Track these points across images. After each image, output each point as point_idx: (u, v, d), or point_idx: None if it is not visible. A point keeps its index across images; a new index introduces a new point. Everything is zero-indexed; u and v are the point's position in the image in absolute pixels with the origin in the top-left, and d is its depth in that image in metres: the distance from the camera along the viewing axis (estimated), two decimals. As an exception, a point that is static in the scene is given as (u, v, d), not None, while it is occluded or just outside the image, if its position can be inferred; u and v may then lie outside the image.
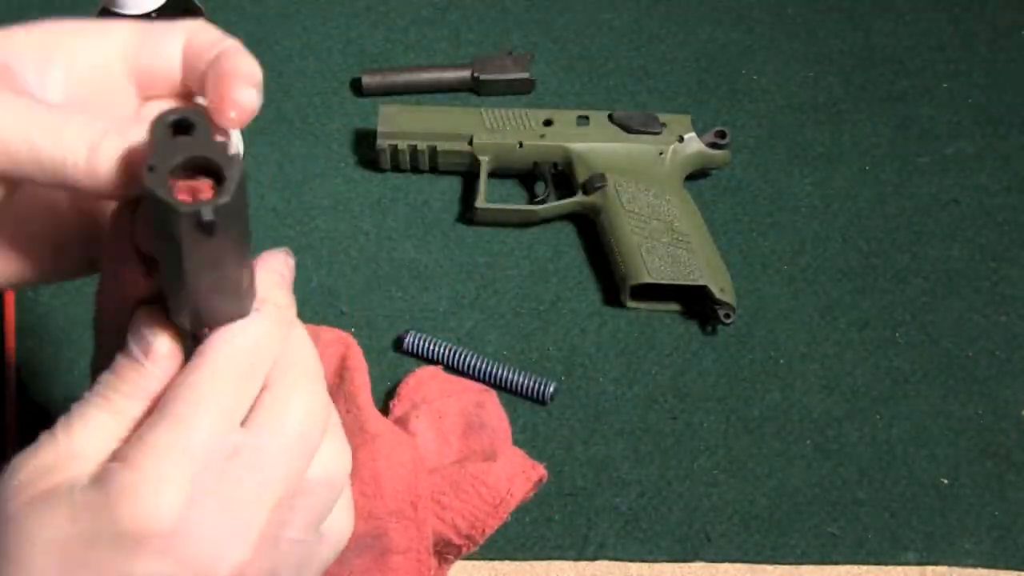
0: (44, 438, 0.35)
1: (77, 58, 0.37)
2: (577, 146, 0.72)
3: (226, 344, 0.34)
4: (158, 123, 0.31)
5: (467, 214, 0.72)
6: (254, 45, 0.89)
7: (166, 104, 0.37)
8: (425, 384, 0.62)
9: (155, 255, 0.33)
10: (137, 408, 0.34)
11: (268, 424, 0.34)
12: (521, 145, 0.72)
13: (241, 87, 0.34)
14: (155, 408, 0.34)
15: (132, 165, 0.33)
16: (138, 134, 0.33)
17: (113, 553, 0.32)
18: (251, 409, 0.34)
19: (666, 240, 0.67)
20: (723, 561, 0.59)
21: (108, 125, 0.33)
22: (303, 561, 0.36)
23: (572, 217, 0.72)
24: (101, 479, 0.33)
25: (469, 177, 0.74)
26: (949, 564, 0.59)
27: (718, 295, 0.65)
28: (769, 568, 0.59)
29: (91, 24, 0.37)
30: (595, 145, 0.72)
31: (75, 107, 0.36)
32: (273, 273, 0.36)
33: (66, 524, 0.32)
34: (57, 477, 0.33)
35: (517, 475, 0.55)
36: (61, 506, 0.32)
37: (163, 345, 0.35)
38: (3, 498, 0.33)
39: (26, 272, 0.39)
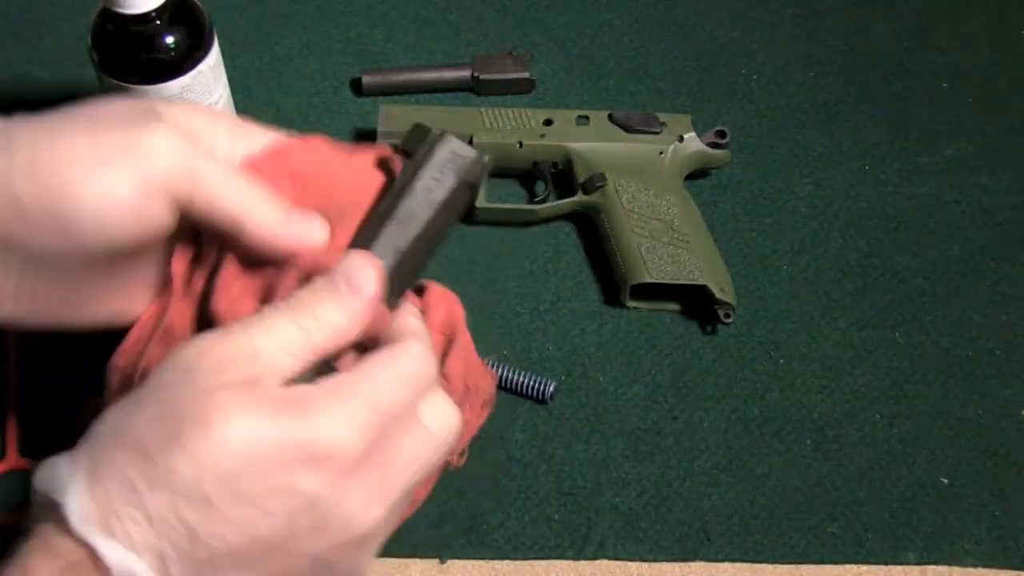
0: (219, 334, 0.38)
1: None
2: (577, 146, 0.72)
3: (421, 341, 0.41)
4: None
5: (467, 214, 0.72)
6: (254, 45, 0.90)
7: None
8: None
9: (382, 211, 0.40)
10: (320, 334, 0.39)
11: (432, 416, 0.40)
12: (521, 145, 0.72)
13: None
14: (360, 360, 0.39)
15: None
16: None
17: (292, 460, 0.36)
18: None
19: (666, 240, 0.67)
20: (723, 561, 0.59)
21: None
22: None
23: (572, 217, 0.72)
24: (302, 395, 0.37)
25: (469, 177, 0.74)
26: (949, 564, 0.59)
27: (718, 295, 0.65)
28: (769, 568, 0.59)
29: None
30: (595, 145, 0.72)
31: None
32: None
33: (262, 419, 0.35)
34: (243, 370, 0.37)
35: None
36: (259, 402, 0.36)
37: (371, 285, 0.40)
38: (197, 375, 0.36)
39: (127, 311, 0.46)
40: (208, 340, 0.38)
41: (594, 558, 0.59)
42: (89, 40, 0.62)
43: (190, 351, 0.37)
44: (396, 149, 0.43)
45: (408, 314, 0.43)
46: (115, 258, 0.42)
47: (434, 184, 0.40)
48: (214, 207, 0.41)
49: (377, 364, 0.39)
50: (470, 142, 0.72)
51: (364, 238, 0.41)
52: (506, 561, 0.58)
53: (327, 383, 0.38)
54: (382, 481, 0.38)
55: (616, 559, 0.59)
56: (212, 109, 0.47)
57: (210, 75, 0.64)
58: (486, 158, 0.40)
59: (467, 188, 0.40)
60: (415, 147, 0.42)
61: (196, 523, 0.35)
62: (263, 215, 0.42)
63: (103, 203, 0.39)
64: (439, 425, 0.40)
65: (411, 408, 0.39)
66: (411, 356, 0.40)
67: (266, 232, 0.42)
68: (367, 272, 0.40)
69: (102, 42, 0.62)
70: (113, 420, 0.37)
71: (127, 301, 0.46)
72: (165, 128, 0.41)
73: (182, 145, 0.41)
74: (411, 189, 0.40)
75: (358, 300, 0.40)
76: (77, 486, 0.35)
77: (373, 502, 0.38)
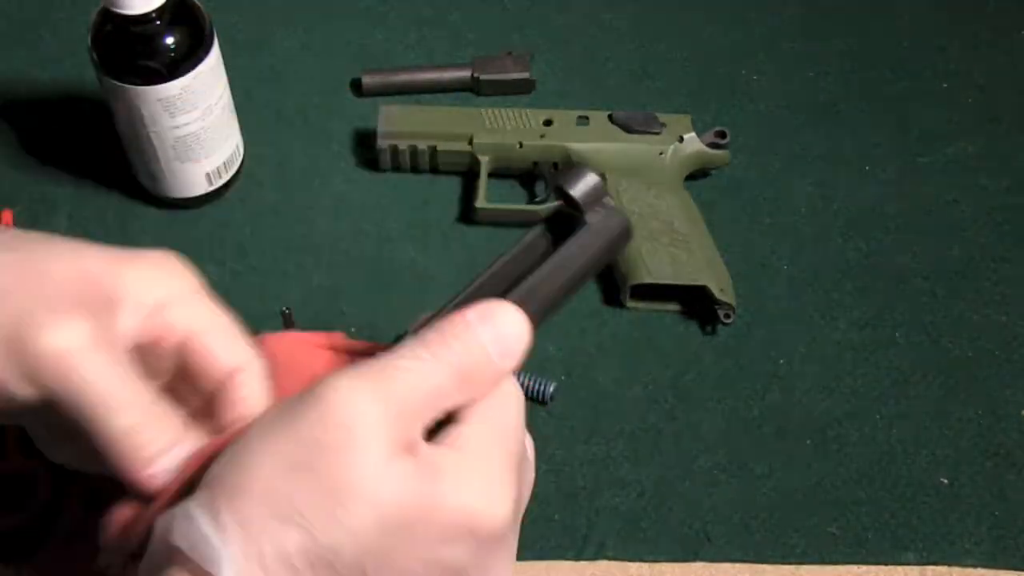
0: (373, 383, 0.34)
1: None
2: (577, 146, 0.72)
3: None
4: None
5: (467, 214, 0.72)
6: (254, 45, 0.90)
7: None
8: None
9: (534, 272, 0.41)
10: (441, 375, 0.36)
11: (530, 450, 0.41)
12: (521, 145, 0.72)
13: None
14: (477, 414, 0.36)
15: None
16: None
17: (447, 534, 0.34)
18: None
19: (666, 240, 0.67)
20: (723, 561, 0.59)
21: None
22: None
23: (572, 217, 0.72)
24: (452, 457, 0.34)
25: (469, 177, 0.74)
26: (949, 564, 0.59)
27: (718, 295, 0.65)
28: (769, 568, 0.59)
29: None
30: (595, 145, 0.72)
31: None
32: None
33: (422, 491, 0.33)
34: (403, 432, 0.34)
35: None
36: (421, 472, 0.33)
37: (520, 355, 0.39)
38: (360, 438, 0.33)
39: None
40: (364, 392, 0.34)
41: (594, 558, 0.59)
42: (89, 40, 0.62)
43: (348, 407, 0.33)
44: (558, 190, 0.42)
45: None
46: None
47: (588, 243, 0.41)
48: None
49: (499, 411, 0.37)
50: (470, 142, 0.72)
51: (524, 292, 0.40)
52: (506, 561, 0.58)
53: (465, 439, 0.35)
54: (516, 530, 0.37)
55: (616, 559, 0.59)
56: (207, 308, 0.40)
57: (210, 75, 0.64)
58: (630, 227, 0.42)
59: (611, 255, 0.42)
60: (569, 185, 0.42)
61: None
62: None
63: None
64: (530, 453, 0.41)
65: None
66: (516, 396, 0.38)
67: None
68: (524, 342, 0.39)
69: (102, 42, 0.62)
70: (257, 472, 0.33)
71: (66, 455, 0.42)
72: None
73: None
74: (570, 249, 0.41)
75: (505, 369, 0.38)
76: (233, 559, 0.32)
77: (511, 559, 0.37)
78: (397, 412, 0.34)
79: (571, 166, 0.42)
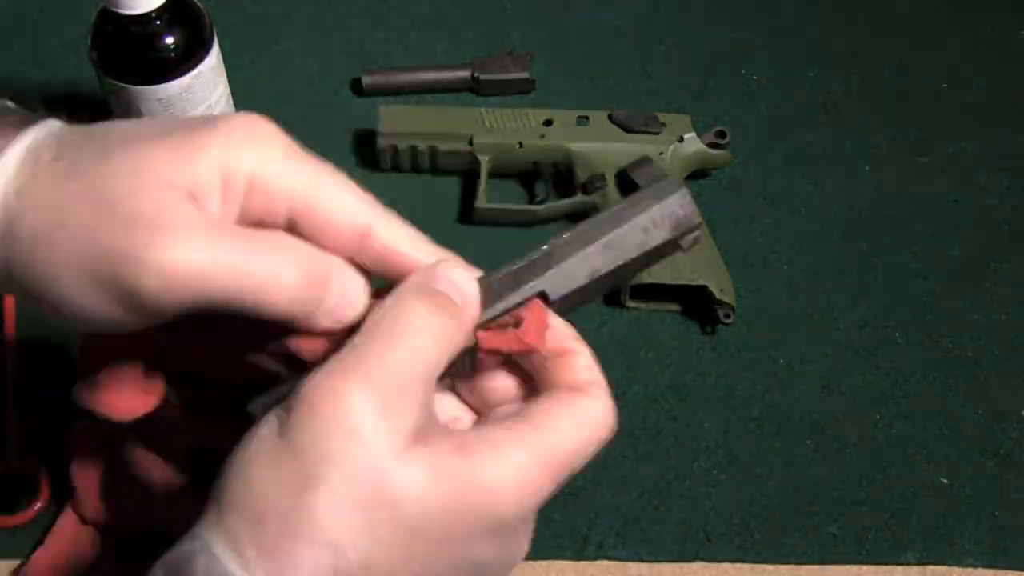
0: (368, 382, 0.32)
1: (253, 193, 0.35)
2: (577, 146, 0.72)
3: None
4: None
5: (467, 214, 0.72)
6: (254, 45, 0.90)
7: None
8: None
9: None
10: (418, 341, 0.33)
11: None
12: (521, 145, 0.72)
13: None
14: (535, 404, 0.35)
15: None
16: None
17: (473, 532, 0.33)
18: None
19: (666, 240, 0.67)
20: (723, 561, 0.59)
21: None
22: None
23: (572, 217, 0.72)
24: (478, 445, 0.33)
25: (469, 177, 0.74)
26: (949, 564, 0.59)
27: (718, 295, 0.65)
28: (769, 568, 0.59)
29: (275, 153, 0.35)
30: (595, 145, 0.72)
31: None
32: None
33: (445, 488, 0.32)
34: (410, 420, 0.32)
35: None
36: (440, 465, 0.32)
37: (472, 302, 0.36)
38: (372, 442, 0.32)
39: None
40: (356, 391, 0.32)
41: (594, 558, 0.59)
42: (89, 40, 0.62)
43: (344, 409, 0.31)
44: (622, 174, 0.41)
45: (580, 351, 0.39)
46: None
47: (651, 227, 0.39)
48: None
49: (563, 417, 0.35)
50: (470, 142, 0.72)
51: (568, 244, 0.39)
52: (506, 561, 0.58)
53: (506, 430, 0.34)
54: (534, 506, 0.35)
55: (616, 559, 0.59)
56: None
57: (210, 76, 0.64)
58: (701, 223, 0.39)
59: (674, 247, 0.39)
60: (644, 181, 0.41)
61: None
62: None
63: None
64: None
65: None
66: (594, 413, 0.36)
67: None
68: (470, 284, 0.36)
69: (102, 42, 0.62)
70: (273, 496, 0.31)
71: None
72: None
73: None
74: (629, 222, 0.39)
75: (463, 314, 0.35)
76: None
77: (527, 535, 0.36)
78: (395, 399, 0.32)
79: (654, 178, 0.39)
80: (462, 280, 0.36)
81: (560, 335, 0.38)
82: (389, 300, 0.35)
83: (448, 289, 0.35)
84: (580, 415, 0.36)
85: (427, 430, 0.33)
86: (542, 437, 0.34)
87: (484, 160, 0.72)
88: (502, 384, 0.39)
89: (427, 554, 0.32)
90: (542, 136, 0.72)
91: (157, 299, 0.32)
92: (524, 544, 0.36)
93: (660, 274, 0.66)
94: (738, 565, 0.59)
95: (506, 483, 0.33)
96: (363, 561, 0.31)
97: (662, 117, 0.73)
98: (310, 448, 0.31)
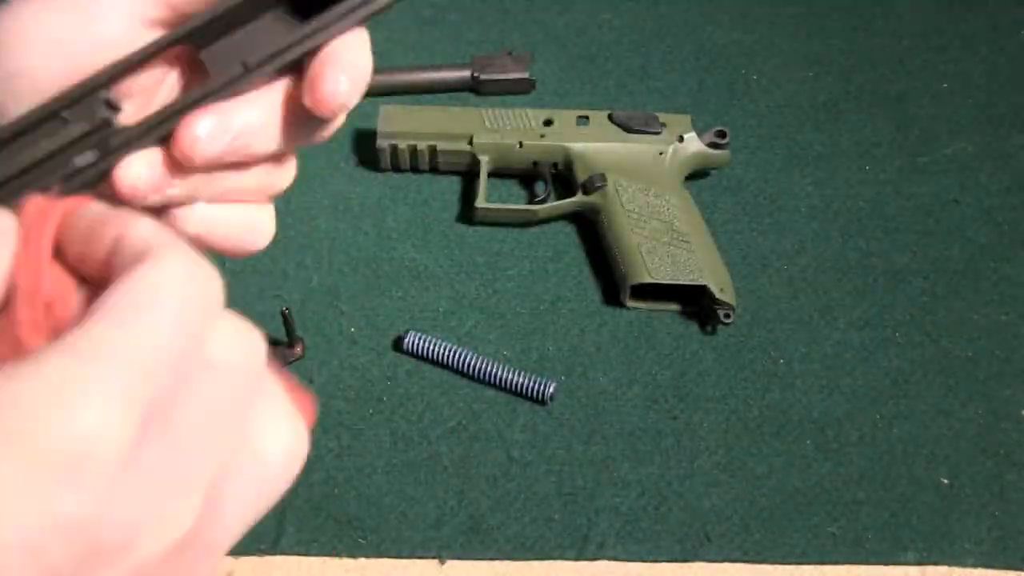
0: None
1: None
2: (577, 146, 0.72)
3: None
4: None
5: (467, 214, 0.72)
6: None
7: None
8: None
9: None
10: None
11: (220, 348, 0.25)
12: (521, 145, 0.72)
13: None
14: (94, 301, 0.24)
15: None
16: None
17: (37, 481, 0.21)
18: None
19: (666, 240, 0.67)
20: (723, 561, 0.59)
21: None
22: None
23: (572, 217, 0.72)
24: (27, 369, 0.22)
25: (469, 177, 0.74)
26: (949, 564, 0.59)
27: (718, 295, 0.65)
28: (769, 568, 0.59)
29: None
30: (595, 145, 0.72)
31: None
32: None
33: None
34: None
35: None
36: None
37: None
38: None
39: None
40: None
41: (594, 558, 0.59)
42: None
43: None
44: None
45: (133, 218, 0.26)
46: None
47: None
48: None
49: (127, 296, 0.24)
50: (470, 142, 0.72)
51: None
52: (506, 561, 0.58)
53: (58, 346, 0.23)
54: (175, 463, 0.24)
55: (616, 559, 0.59)
56: None
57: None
58: None
59: None
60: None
61: None
62: None
63: None
64: (233, 358, 0.25)
65: (194, 349, 0.24)
66: (170, 273, 0.24)
67: None
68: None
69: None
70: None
71: None
72: None
73: None
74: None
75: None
76: None
77: (168, 498, 0.24)
78: None
79: None
80: None
81: (86, 235, 0.26)
82: None
83: None
84: (138, 292, 0.24)
85: None
86: (88, 338, 0.23)
87: (484, 160, 0.72)
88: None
89: None
90: (542, 136, 0.72)
91: None
92: (138, 497, 0.23)
93: (660, 274, 0.66)
94: (738, 565, 0.59)
95: (84, 418, 0.22)
96: None
97: (662, 117, 0.73)
98: None
